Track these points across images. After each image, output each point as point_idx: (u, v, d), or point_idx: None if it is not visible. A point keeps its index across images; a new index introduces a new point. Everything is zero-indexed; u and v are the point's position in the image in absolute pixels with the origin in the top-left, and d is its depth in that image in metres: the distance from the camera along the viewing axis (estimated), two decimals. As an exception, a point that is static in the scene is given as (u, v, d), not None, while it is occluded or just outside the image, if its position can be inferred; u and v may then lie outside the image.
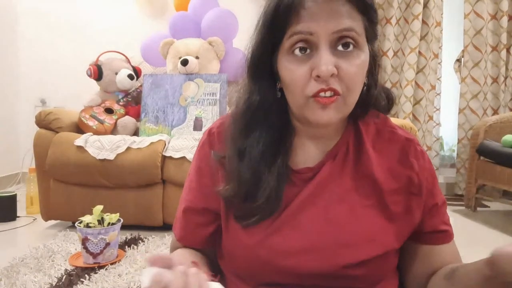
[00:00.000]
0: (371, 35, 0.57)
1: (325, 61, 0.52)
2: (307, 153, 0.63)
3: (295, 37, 0.53)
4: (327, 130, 0.62)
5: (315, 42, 0.53)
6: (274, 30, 0.55)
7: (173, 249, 0.71)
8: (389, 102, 0.65)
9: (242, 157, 0.60)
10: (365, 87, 0.59)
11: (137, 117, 2.25)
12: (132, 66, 2.39)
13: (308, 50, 0.54)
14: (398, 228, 0.60)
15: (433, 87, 2.94)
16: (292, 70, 0.55)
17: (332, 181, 0.61)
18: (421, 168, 0.61)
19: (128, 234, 1.85)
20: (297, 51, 0.54)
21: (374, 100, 0.63)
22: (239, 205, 0.60)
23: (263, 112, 0.60)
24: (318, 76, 0.52)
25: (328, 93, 0.53)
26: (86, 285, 1.34)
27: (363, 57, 0.55)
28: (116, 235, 1.57)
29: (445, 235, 0.63)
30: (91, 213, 1.55)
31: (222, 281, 0.69)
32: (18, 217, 2.16)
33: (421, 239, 0.63)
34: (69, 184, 1.94)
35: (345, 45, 0.53)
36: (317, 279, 0.58)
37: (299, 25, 0.52)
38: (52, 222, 2.07)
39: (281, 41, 0.55)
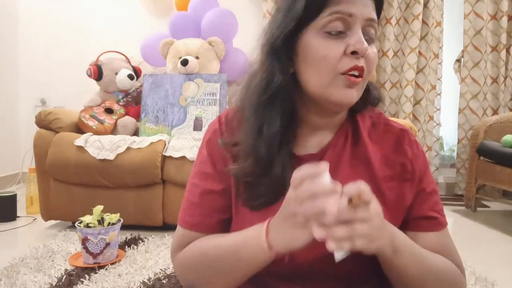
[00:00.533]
0: (377, 34, 0.62)
1: (362, 39, 0.56)
2: (307, 143, 0.66)
3: (334, 15, 0.56)
4: (332, 120, 0.65)
5: (351, 24, 0.57)
6: (312, 7, 0.57)
7: (183, 245, 0.67)
8: (379, 95, 0.70)
9: (259, 133, 0.61)
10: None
11: (137, 117, 2.25)
12: (132, 66, 2.39)
13: (341, 31, 0.57)
14: (392, 214, 0.62)
15: (434, 87, 2.94)
16: (327, 46, 0.57)
17: (333, 169, 0.62)
18: (414, 156, 0.65)
19: (128, 234, 1.85)
20: (332, 30, 0.57)
21: (372, 97, 0.67)
22: (249, 185, 0.62)
23: (282, 94, 0.61)
24: (353, 53, 0.56)
25: (356, 72, 0.57)
26: (86, 285, 1.34)
27: (375, 49, 0.60)
28: (116, 235, 1.57)
29: (431, 223, 0.65)
30: (91, 213, 1.55)
31: None
32: (18, 217, 2.16)
33: (407, 226, 0.65)
34: (69, 184, 1.94)
35: (368, 35, 0.59)
36: (317, 265, 0.60)
37: (340, 5, 0.56)
38: (52, 222, 2.07)
39: (312, 19, 0.58)
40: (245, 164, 0.61)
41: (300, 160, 0.63)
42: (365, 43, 0.56)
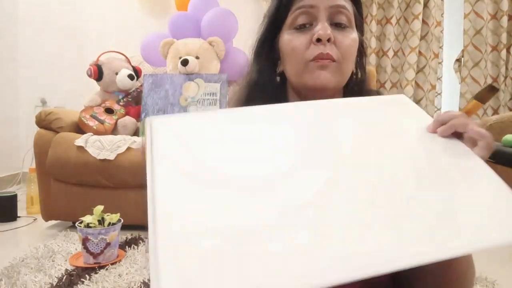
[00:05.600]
0: (359, 23, 0.65)
1: (325, 26, 0.60)
2: None
3: (297, 11, 0.61)
4: None
5: (315, 15, 0.61)
6: (280, 9, 0.64)
7: None
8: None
9: None
10: (356, 74, 0.68)
11: (138, 117, 2.25)
12: (132, 66, 2.39)
13: (308, 25, 0.62)
14: None
15: (434, 87, 2.94)
16: (293, 39, 0.62)
17: None
18: None
19: (128, 234, 1.85)
20: (298, 24, 0.62)
21: (366, 89, 0.70)
22: None
23: (260, 91, 0.67)
24: (318, 40, 0.60)
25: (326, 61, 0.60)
26: (87, 285, 1.34)
27: (355, 35, 0.63)
28: (117, 235, 1.57)
29: None
30: (91, 213, 1.55)
31: None
32: (19, 217, 2.16)
33: None
34: (69, 184, 1.94)
35: (339, 23, 0.62)
36: None
37: (302, 1, 0.61)
38: (53, 222, 2.07)
39: (284, 20, 0.63)
40: None
41: None
42: (328, 29, 0.59)
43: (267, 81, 0.67)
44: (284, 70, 0.66)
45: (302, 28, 0.62)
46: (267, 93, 0.66)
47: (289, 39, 0.62)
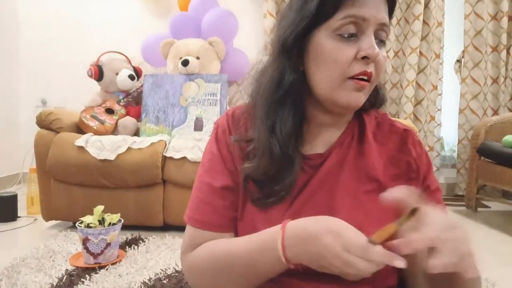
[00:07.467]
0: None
1: (374, 45, 0.57)
2: (314, 140, 0.66)
3: (348, 19, 0.56)
4: (339, 119, 0.65)
5: (364, 28, 0.57)
6: (324, 8, 0.57)
7: (195, 245, 0.65)
8: (384, 96, 0.71)
9: (272, 132, 0.61)
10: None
11: (138, 117, 2.25)
12: (133, 66, 2.39)
13: (354, 35, 0.57)
14: None
15: (435, 87, 2.94)
16: (338, 49, 0.57)
17: (339, 168, 0.64)
18: (418, 155, 0.66)
19: (128, 234, 1.85)
20: (345, 33, 0.57)
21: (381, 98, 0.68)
22: (261, 184, 0.61)
23: (293, 91, 0.61)
24: (364, 58, 0.56)
25: (365, 77, 0.58)
26: (87, 285, 1.34)
27: (385, 52, 0.61)
28: (117, 235, 1.57)
29: None
30: (91, 214, 1.55)
31: None
32: (19, 217, 2.16)
33: None
34: (69, 184, 1.94)
35: (380, 38, 0.59)
36: None
37: (354, 9, 0.56)
38: (53, 222, 2.07)
39: (325, 20, 0.57)
40: (260, 162, 0.61)
41: (307, 160, 0.64)
42: (377, 48, 0.56)
43: (297, 81, 0.61)
44: (307, 73, 0.61)
45: (348, 37, 0.57)
46: (297, 95, 0.62)
47: (333, 47, 0.57)
